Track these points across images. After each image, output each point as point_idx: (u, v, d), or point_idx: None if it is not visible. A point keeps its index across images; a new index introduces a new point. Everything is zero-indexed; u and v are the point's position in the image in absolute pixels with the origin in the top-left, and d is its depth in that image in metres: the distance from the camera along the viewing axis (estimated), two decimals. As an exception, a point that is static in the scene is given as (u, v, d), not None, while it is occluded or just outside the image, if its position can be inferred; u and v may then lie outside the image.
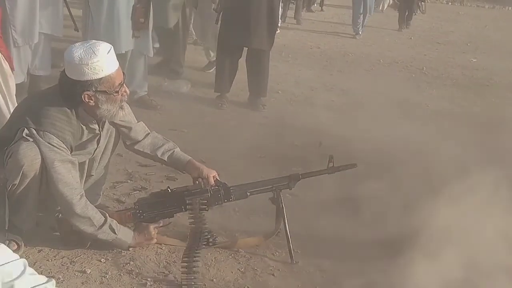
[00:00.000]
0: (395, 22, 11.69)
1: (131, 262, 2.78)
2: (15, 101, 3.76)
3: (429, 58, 8.98)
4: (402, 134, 4.71)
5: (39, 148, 2.58)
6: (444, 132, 4.61)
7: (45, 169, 2.62)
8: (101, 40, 4.56)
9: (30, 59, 4.66)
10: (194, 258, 2.69)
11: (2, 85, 3.67)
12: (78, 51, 2.59)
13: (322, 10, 13.31)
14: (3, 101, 3.70)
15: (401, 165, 4.15)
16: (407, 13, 11.62)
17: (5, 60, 3.66)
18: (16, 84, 3.99)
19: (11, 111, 3.66)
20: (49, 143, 2.59)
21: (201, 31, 6.63)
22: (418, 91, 6.66)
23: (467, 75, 8.02)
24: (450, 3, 18.51)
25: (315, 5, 13.45)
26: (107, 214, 2.77)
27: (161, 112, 5.14)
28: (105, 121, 2.88)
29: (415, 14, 11.86)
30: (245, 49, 5.52)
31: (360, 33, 10.57)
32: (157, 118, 4.94)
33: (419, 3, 11.92)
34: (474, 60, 9.22)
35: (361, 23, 10.55)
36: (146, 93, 5.22)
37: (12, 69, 3.76)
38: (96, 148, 2.93)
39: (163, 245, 2.95)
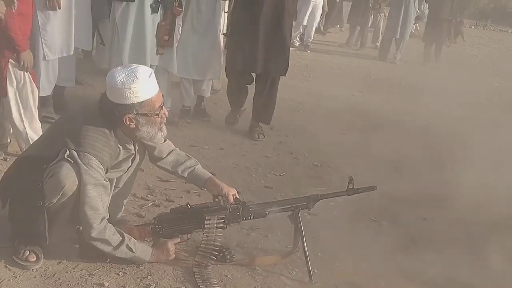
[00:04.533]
0: (416, 49, 11.56)
1: (149, 277, 2.79)
2: (36, 117, 3.85)
3: (452, 81, 8.94)
4: (424, 158, 4.70)
5: (78, 170, 2.62)
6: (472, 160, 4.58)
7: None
8: (126, 54, 4.75)
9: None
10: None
11: (20, 104, 3.77)
12: (120, 75, 2.63)
13: (341, 30, 13.40)
14: (20, 120, 3.80)
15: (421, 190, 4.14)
16: (434, 46, 11.07)
17: (29, 77, 3.75)
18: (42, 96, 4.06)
19: (26, 127, 3.78)
20: (88, 165, 2.63)
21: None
22: (439, 114, 6.63)
23: (489, 99, 7.97)
24: (473, 27, 18.48)
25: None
26: (124, 234, 2.79)
27: (182, 128, 5.19)
28: None
29: (448, 46, 11.19)
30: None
31: (398, 58, 10.65)
32: (178, 134, 4.98)
33: (448, 35, 11.30)
34: (496, 84, 9.18)
35: (399, 50, 10.65)
36: (169, 109, 5.26)
37: (36, 85, 3.84)
38: (130, 166, 2.99)
39: (181, 260, 2.95)
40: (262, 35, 4.97)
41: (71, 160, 2.61)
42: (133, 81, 2.62)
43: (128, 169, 2.99)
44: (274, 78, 5.23)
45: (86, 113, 2.83)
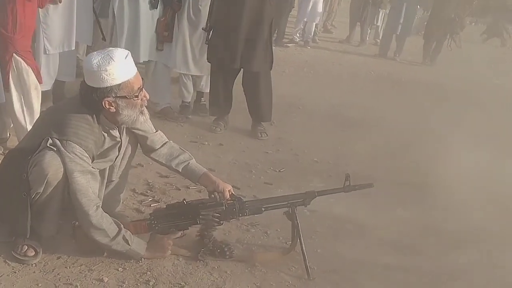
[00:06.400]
0: (418, 47, 11.50)
1: (148, 272, 2.79)
2: (38, 112, 3.83)
3: (452, 78, 8.92)
4: (424, 154, 4.69)
5: (62, 158, 2.61)
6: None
7: (67, 178, 2.65)
8: (121, 48, 4.73)
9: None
10: None
11: (23, 99, 3.76)
12: (96, 58, 2.61)
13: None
14: (22, 115, 3.79)
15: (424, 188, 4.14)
16: (434, 45, 10.76)
17: (32, 72, 3.74)
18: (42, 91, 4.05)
19: (27, 123, 3.76)
20: (72, 152, 2.62)
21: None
22: (439, 111, 6.62)
23: (489, 97, 7.95)
24: (473, 24, 18.42)
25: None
26: (121, 225, 2.79)
27: (182, 124, 5.18)
28: (124, 128, 2.91)
29: (450, 47, 10.68)
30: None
31: (399, 55, 10.66)
32: (179, 130, 4.99)
33: (450, 36, 10.65)
34: (497, 82, 9.16)
35: (399, 47, 10.67)
36: (169, 105, 5.27)
37: (39, 81, 3.83)
38: (118, 155, 2.96)
39: (180, 256, 2.95)
40: (242, 29, 4.77)
41: (54, 148, 2.60)
42: (108, 63, 2.59)
43: (116, 159, 2.97)
44: (260, 74, 4.96)
45: (69, 102, 2.84)
